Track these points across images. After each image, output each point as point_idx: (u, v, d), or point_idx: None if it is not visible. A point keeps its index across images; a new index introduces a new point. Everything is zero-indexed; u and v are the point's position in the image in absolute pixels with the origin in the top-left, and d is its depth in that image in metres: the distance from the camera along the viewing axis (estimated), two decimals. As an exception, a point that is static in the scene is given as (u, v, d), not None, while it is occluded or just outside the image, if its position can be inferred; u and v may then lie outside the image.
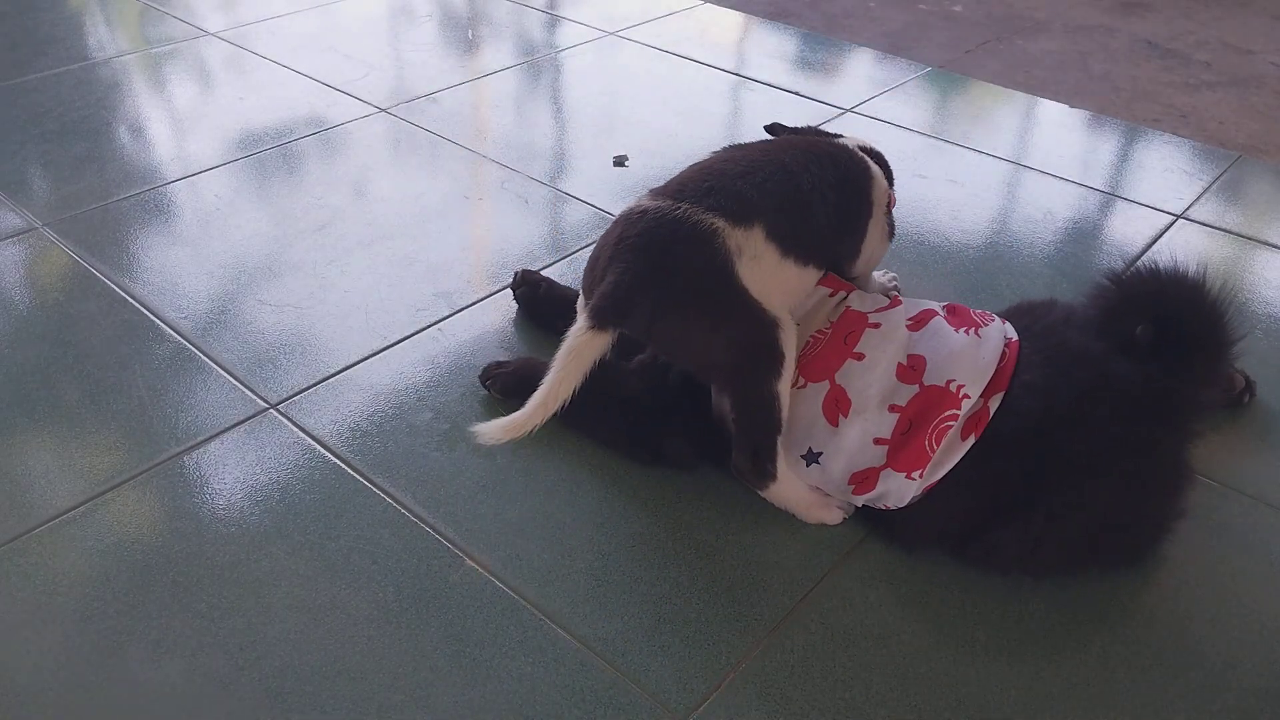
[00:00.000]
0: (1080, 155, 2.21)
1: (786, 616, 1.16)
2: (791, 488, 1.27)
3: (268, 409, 1.45)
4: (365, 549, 1.24)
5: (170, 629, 1.14)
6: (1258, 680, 1.12)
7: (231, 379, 1.51)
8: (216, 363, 1.54)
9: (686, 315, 1.19)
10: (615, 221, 1.25)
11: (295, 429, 1.42)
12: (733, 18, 2.92)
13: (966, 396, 1.19)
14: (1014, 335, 1.27)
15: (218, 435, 1.41)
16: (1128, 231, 1.92)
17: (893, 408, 1.22)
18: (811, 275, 1.30)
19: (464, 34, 2.78)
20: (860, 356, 1.25)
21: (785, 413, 1.22)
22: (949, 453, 1.18)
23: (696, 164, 1.31)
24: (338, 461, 1.37)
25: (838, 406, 1.24)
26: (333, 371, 1.53)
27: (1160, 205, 2.00)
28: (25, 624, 1.14)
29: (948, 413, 1.19)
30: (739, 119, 2.35)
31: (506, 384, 1.45)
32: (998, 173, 2.12)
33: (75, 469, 1.35)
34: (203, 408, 1.45)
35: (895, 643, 1.15)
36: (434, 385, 1.50)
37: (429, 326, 1.62)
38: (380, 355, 1.56)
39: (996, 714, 1.07)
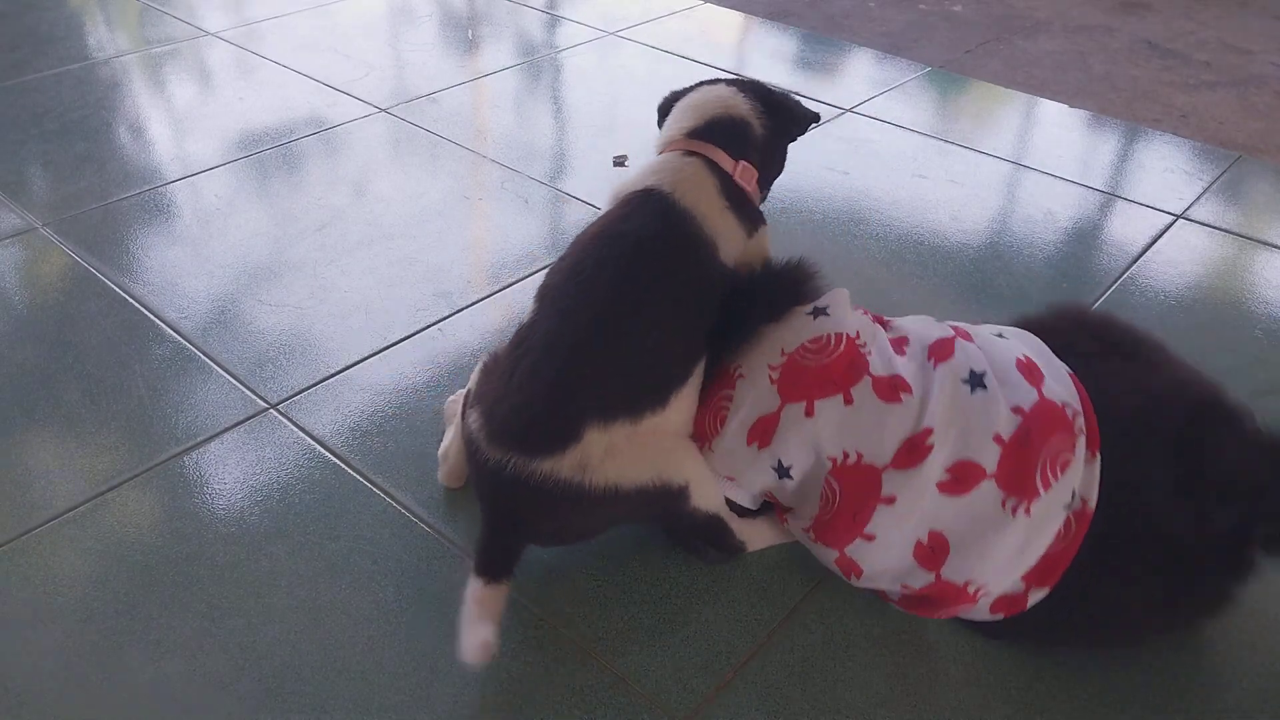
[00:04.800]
0: (1080, 155, 2.21)
1: (787, 617, 1.16)
2: (762, 537, 1.24)
3: (268, 409, 1.45)
4: (365, 549, 1.24)
5: (170, 629, 1.14)
6: (1258, 681, 1.12)
7: (231, 379, 1.51)
8: (216, 363, 1.54)
9: (570, 538, 1.19)
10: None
11: (295, 429, 1.42)
12: (733, 18, 2.92)
13: (986, 595, 1.10)
14: (1088, 499, 1.08)
15: (218, 435, 1.41)
16: (1128, 231, 1.92)
17: (905, 591, 1.14)
18: (692, 385, 1.16)
19: (464, 34, 2.78)
20: (870, 538, 1.11)
21: (715, 501, 1.16)
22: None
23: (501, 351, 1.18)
24: (338, 461, 1.37)
25: (850, 568, 1.15)
26: (333, 371, 1.53)
27: (1160, 205, 2.00)
28: (25, 624, 1.14)
29: (961, 607, 1.12)
30: (739, 119, 2.34)
31: None
32: (998, 173, 2.12)
33: (75, 469, 1.35)
34: (203, 408, 1.45)
35: (895, 643, 1.15)
36: (434, 385, 1.50)
37: (429, 326, 1.62)
38: (380, 355, 1.56)
39: (997, 714, 1.07)
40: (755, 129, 1.31)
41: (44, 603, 1.17)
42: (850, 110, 2.35)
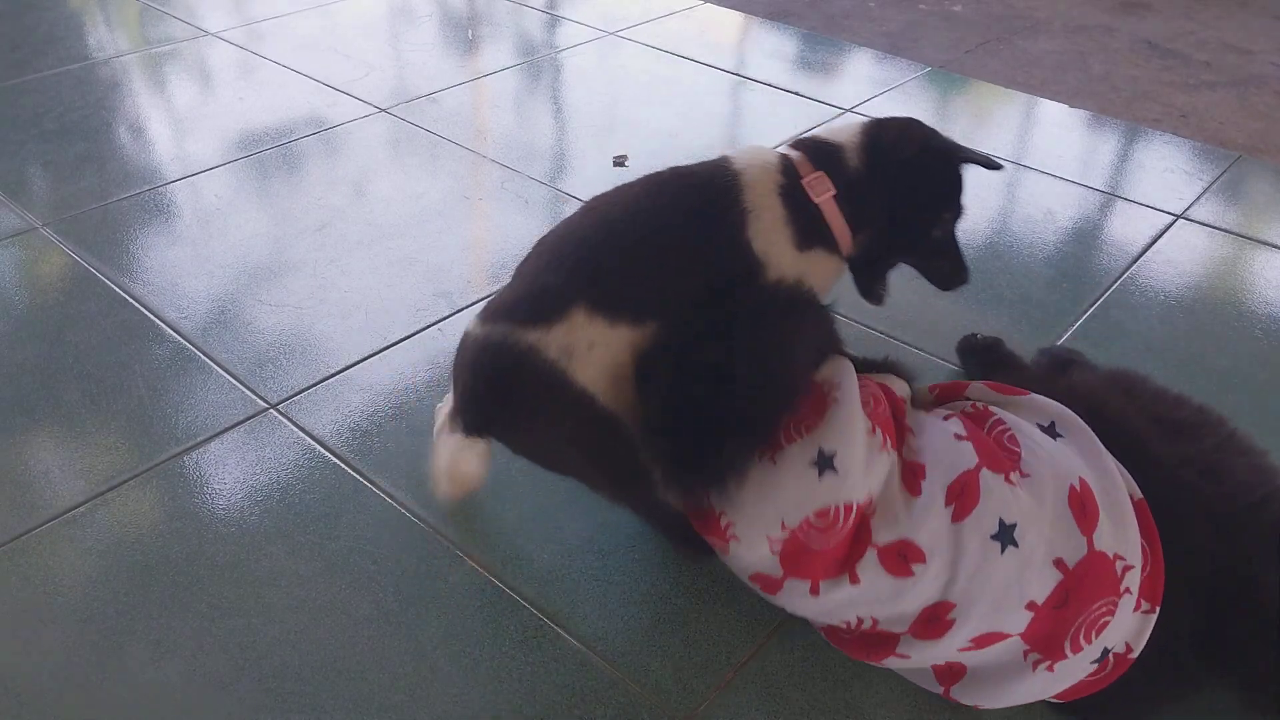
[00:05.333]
0: (1080, 155, 2.21)
1: (787, 616, 1.16)
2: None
3: (268, 409, 1.45)
4: (365, 549, 1.24)
5: (170, 629, 1.14)
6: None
7: (231, 379, 1.51)
8: (216, 363, 1.54)
9: (535, 444, 1.16)
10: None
11: (295, 429, 1.42)
12: (733, 18, 2.92)
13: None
14: (1134, 646, 0.99)
15: (218, 435, 1.40)
16: (1128, 231, 1.92)
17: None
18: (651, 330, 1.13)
19: (464, 34, 2.78)
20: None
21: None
22: None
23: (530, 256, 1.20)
24: (338, 461, 1.37)
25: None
26: (333, 371, 1.52)
27: (1160, 205, 2.00)
28: (25, 624, 1.14)
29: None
30: (739, 119, 2.35)
31: None
32: (998, 172, 2.12)
33: (75, 469, 1.35)
34: (203, 408, 1.45)
35: (895, 643, 1.15)
36: (434, 385, 1.50)
37: (429, 326, 1.62)
38: (380, 355, 1.56)
39: (996, 714, 1.07)
40: (848, 160, 1.22)
41: (44, 603, 1.17)
42: (850, 110, 2.35)
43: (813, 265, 1.20)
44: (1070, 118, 2.39)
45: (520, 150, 2.15)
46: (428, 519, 1.28)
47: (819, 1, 3.05)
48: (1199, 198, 2.03)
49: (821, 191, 1.19)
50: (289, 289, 1.71)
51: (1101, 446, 1.04)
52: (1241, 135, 2.32)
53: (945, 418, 1.10)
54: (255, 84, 2.43)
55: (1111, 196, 2.04)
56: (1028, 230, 1.92)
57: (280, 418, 1.44)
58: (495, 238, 1.87)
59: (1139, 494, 1.03)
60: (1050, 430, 1.07)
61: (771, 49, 2.71)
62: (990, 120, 2.38)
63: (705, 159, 1.23)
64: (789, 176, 1.20)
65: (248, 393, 1.48)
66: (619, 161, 2.11)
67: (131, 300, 1.67)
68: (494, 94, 2.42)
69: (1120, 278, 1.77)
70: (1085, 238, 1.91)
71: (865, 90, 2.45)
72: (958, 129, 2.29)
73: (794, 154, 1.22)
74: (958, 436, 1.04)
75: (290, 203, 1.96)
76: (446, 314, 1.65)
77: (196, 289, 1.70)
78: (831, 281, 1.26)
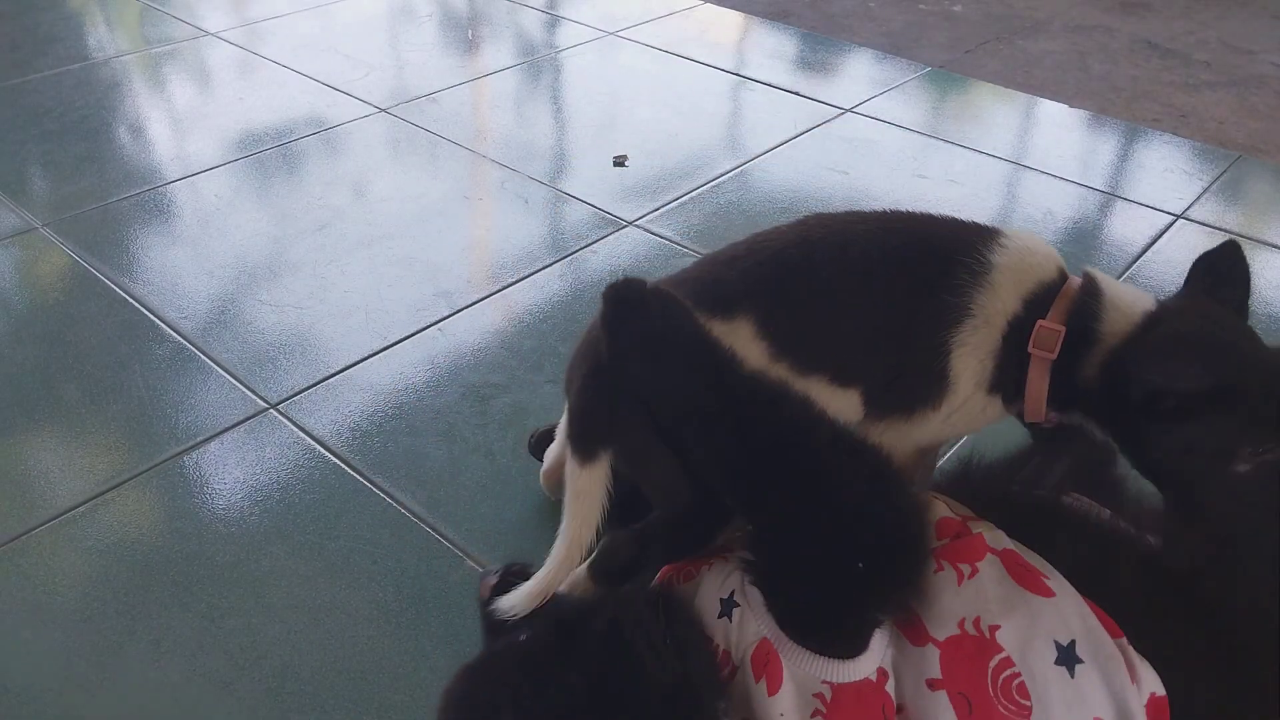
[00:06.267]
0: (1080, 155, 2.21)
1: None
2: None
3: (268, 409, 1.45)
4: (365, 549, 1.24)
5: (170, 629, 1.14)
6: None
7: (231, 379, 1.51)
8: (216, 363, 1.54)
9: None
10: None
11: (295, 429, 1.42)
12: (733, 18, 2.92)
13: None
14: None
15: (218, 435, 1.40)
16: (1128, 231, 1.92)
17: None
18: (835, 397, 0.94)
19: (464, 34, 2.78)
20: None
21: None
22: None
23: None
24: (338, 461, 1.37)
25: None
26: (333, 371, 1.52)
27: (1160, 205, 2.00)
28: (25, 624, 1.14)
29: None
30: (739, 119, 2.35)
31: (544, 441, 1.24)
32: (998, 173, 2.12)
33: (75, 469, 1.35)
34: (203, 408, 1.45)
35: (895, 643, 1.14)
36: (434, 385, 1.50)
37: (429, 326, 1.62)
38: (380, 355, 1.56)
39: (997, 714, 1.07)
40: (1103, 337, 0.93)
41: (44, 603, 1.17)
42: (850, 110, 2.35)
43: (985, 410, 0.98)
44: (1070, 118, 2.39)
45: (520, 150, 2.15)
46: (428, 519, 1.28)
47: (819, 1, 3.05)
48: (1199, 198, 2.03)
49: (1046, 347, 0.93)
50: (289, 289, 1.71)
51: (1126, 676, 0.84)
52: (1241, 135, 2.32)
53: (933, 685, 0.83)
54: (255, 84, 2.43)
55: (1111, 196, 2.04)
56: (1028, 230, 1.91)
57: (280, 418, 1.44)
58: (495, 238, 1.87)
59: (1162, 691, 0.85)
60: (1069, 655, 0.86)
61: (771, 49, 2.71)
62: (990, 120, 2.38)
63: (976, 224, 1.02)
64: (1033, 307, 0.94)
65: (248, 393, 1.48)
66: (619, 161, 2.11)
67: (131, 300, 1.67)
68: (494, 94, 2.42)
69: (1120, 278, 1.77)
70: (1085, 238, 1.91)
71: (865, 90, 2.45)
72: (958, 129, 2.29)
73: (1071, 281, 0.97)
74: None
75: (290, 203, 1.96)
76: (446, 314, 1.65)
77: (196, 289, 1.70)
78: (980, 427, 1.01)
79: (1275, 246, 1.89)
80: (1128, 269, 1.79)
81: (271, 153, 2.13)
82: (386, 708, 1.06)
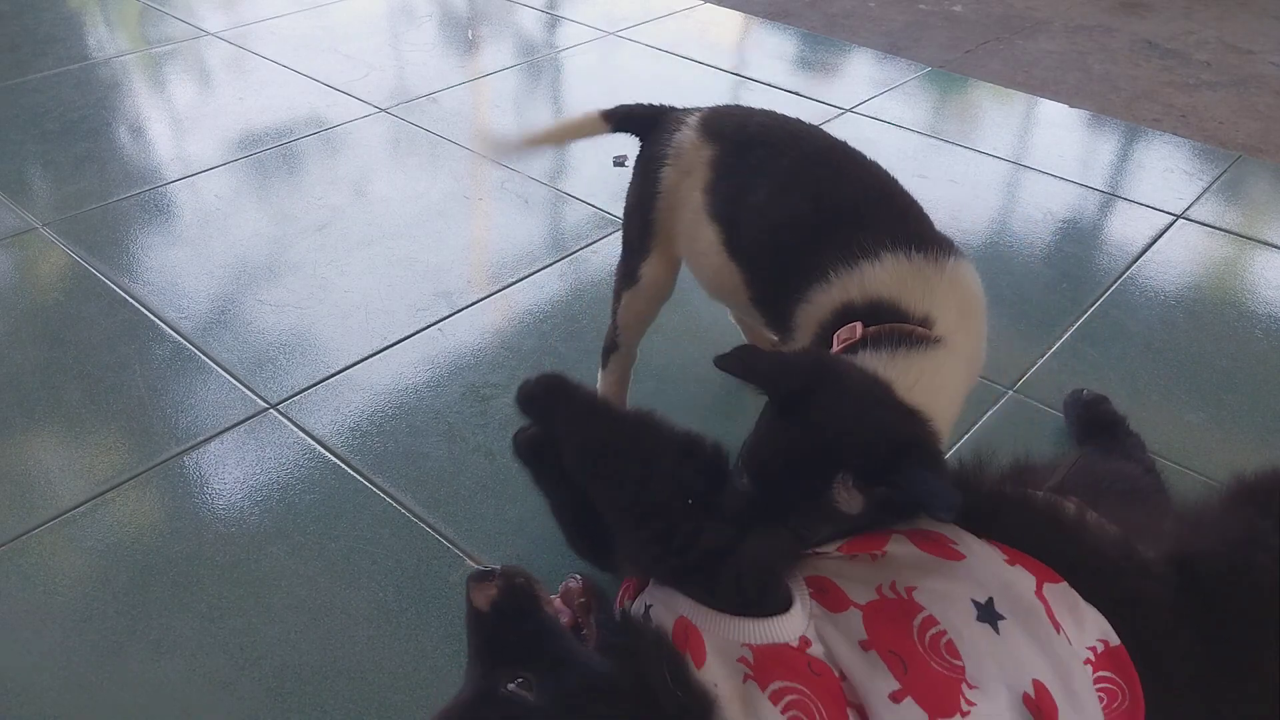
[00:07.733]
0: (1080, 155, 2.21)
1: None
2: None
3: (268, 409, 1.45)
4: (365, 549, 1.24)
5: (170, 629, 1.14)
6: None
7: (231, 379, 1.51)
8: (216, 363, 1.54)
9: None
10: None
11: (295, 429, 1.42)
12: (733, 18, 2.92)
13: None
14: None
15: (218, 435, 1.40)
16: (1128, 231, 1.92)
17: None
18: (730, 274, 1.14)
19: (464, 34, 2.78)
20: None
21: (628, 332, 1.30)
22: None
23: None
24: (338, 461, 1.37)
25: None
26: (333, 371, 1.52)
27: (1160, 205, 2.00)
28: (25, 624, 1.14)
29: None
30: (739, 119, 2.34)
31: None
32: (998, 173, 2.12)
33: (75, 469, 1.35)
34: (203, 408, 1.45)
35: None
36: (434, 385, 1.50)
37: (429, 326, 1.62)
38: (380, 355, 1.56)
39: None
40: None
41: (44, 603, 1.17)
42: (850, 110, 2.35)
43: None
44: (1070, 118, 2.39)
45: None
46: (428, 519, 1.28)
47: (819, 1, 3.05)
48: (1199, 198, 2.03)
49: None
50: (289, 289, 1.71)
51: (1050, 627, 0.85)
52: (1241, 135, 2.32)
53: (865, 646, 0.85)
54: (255, 84, 2.43)
55: (1111, 196, 2.04)
56: (1028, 230, 1.92)
57: (280, 418, 1.44)
58: (495, 238, 1.87)
59: (1115, 640, 0.87)
60: (990, 611, 0.87)
61: (771, 49, 2.71)
62: (990, 120, 2.39)
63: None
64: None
65: (248, 393, 1.48)
66: (619, 162, 2.11)
67: (131, 300, 1.67)
68: (494, 94, 2.42)
69: (1120, 278, 1.77)
70: (1085, 238, 1.91)
71: (865, 90, 2.45)
72: (957, 129, 2.29)
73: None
74: (894, 698, 0.82)
75: (290, 203, 1.96)
76: (446, 314, 1.65)
77: (196, 289, 1.70)
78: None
79: (1275, 246, 1.89)
80: (1128, 269, 1.79)
81: (271, 153, 2.13)
82: (386, 708, 1.06)
